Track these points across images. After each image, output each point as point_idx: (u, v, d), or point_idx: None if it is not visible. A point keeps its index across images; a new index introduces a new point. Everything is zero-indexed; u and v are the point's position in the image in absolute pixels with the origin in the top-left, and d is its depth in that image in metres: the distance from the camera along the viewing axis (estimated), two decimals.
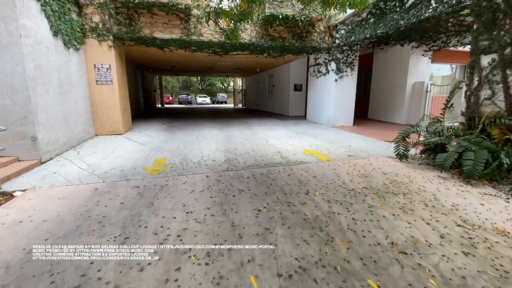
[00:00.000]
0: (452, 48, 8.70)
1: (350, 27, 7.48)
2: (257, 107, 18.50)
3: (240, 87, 25.55)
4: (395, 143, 4.43)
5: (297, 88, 12.25)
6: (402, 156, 4.32)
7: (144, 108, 14.94)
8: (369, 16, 6.76)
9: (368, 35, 6.80)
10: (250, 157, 4.67)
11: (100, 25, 6.48)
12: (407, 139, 4.46)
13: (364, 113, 11.36)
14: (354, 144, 5.83)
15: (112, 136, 6.71)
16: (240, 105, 23.66)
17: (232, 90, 39.44)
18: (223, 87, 43.86)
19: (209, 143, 5.93)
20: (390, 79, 9.85)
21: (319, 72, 9.36)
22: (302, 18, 7.18)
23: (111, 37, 6.58)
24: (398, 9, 5.91)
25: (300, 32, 7.99)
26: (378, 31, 6.47)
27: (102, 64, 6.63)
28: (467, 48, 8.75)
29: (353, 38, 7.42)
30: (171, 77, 39.61)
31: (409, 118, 9.42)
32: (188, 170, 3.89)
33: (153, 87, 18.09)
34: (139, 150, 5.21)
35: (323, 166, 4.04)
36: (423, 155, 4.56)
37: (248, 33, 7.54)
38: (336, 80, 8.39)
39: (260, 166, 4.09)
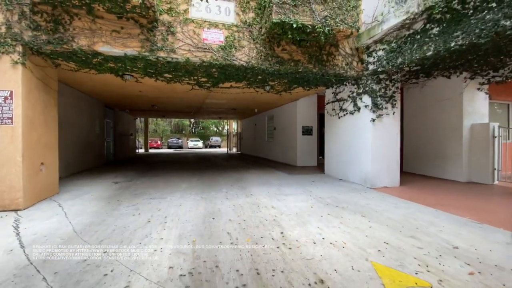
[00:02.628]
0: None
1: (394, 45, 5.13)
2: (254, 153, 15.76)
3: (235, 131, 23.26)
4: None
5: (307, 131, 9.66)
6: None
7: (114, 156, 12.01)
8: (429, 25, 4.44)
9: (431, 52, 4.37)
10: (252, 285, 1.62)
11: (3, 29, 3.93)
12: None
13: None
14: (454, 237, 2.86)
15: None
16: (234, 150, 21.02)
17: (227, 133, 37.49)
18: (218, 130, 41.98)
19: (165, 236, 2.88)
20: (434, 121, 7.33)
21: (342, 110, 6.82)
22: (326, 30, 4.83)
23: (19, 48, 3.98)
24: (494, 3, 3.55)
25: (319, 54, 5.62)
26: (453, 44, 4.05)
27: None
28: None
29: (400, 60, 5.02)
30: (162, 120, 37.80)
31: (471, 174, 6.63)
32: None
33: (131, 131, 15.44)
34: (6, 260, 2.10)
35: None
36: None
37: (245, 51, 5.11)
38: (373, 120, 5.77)
39: None
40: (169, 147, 30.43)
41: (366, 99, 5.93)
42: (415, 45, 4.78)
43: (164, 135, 36.34)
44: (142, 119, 22.65)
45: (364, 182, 5.94)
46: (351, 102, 6.45)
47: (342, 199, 4.76)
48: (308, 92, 8.06)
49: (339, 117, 6.96)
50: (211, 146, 32.67)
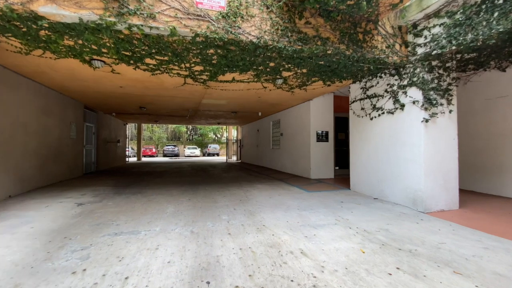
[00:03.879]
0: None
1: (460, 16, 3.72)
2: (257, 162, 14.21)
3: (235, 138, 21.77)
4: None
5: (322, 137, 8.18)
6: None
7: (96, 166, 10.41)
8: None
9: None
10: None
11: None
12: None
13: None
14: None
15: None
16: (234, 158, 19.47)
17: (226, 141, 35.93)
18: (216, 137, 40.49)
19: None
20: (485, 124, 5.87)
21: (375, 109, 5.36)
22: None
23: None
24: None
25: (354, 32, 4.18)
26: None
27: None
28: None
29: (470, 36, 3.59)
30: (158, 127, 36.32)
31: None
32: None
33: (120, 137, 13.89)
34: None
35: None
36: None
37: (255, 23, 3.66)
38: (426, 120, 4.30)
39: None
40: (165, 155, 28.83)
41: (414, 93, 4.47)
42: (496, 14, 3.36)
43: (160, 142, 34.76)
44: (134, 124, 21.25)
45: (413, 204, 4.41)
46: (389, 98, 4.99)
47: (398, 233, 3.23)
48: (327, 89, 6.62)
49: (371, 118, 5.49)
50: (209, 154, 31.10)
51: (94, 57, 4.29)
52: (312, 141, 8.08)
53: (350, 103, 6.27)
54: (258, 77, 5.39)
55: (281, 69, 4.96)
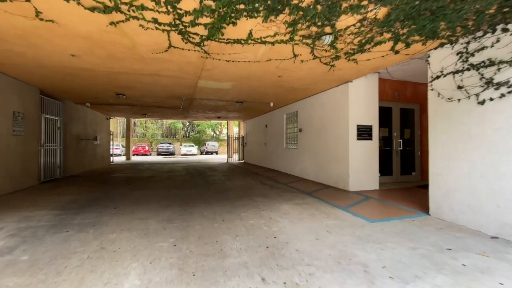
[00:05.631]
0: None
1: None
2: (264, 163, 11.97)
3: (236, 135, 19.50)
4: None
5: (364, 133, 5.95)
6: None
7: (63, 170, 8.08)
8: None
9: None
10: None
11: None
12: None
13: None
14: None
15: None
16: (235, 158, 17.22)
17: (226, 137, 33.52)
18: (215, 134, 38.16)
19: None
20: None
21: (493, 85, 3.12)
22: None
23: None
24: None
25: None
26: None
27: None
28: None
29: None
30: (152, 123, 33.95)
31: None
32: None
33: (101, 134, 11.54)
34: None
35: None
36: None
37: None
38: None
39: None
40: (159, 154, 26.49)
41: None
42: None
43: (154, 139, 32.37)
44: (123, 119, 19.02)
45: None
46: None
47: None
48: (387, 60, 4.37)
49: (481, 102, 3.26)
50: (207, 153, 28.80)
51: None
52: (351, 139, 5.85)
53: (430, 80, 4.02)
54: (294, 29, 3.14)
55: (338, 9, 2.71)
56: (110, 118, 13.18)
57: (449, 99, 3.70)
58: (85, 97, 8.05)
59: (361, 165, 5.92)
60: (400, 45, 3.71)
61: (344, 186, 5.99)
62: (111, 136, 13.79)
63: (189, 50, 3.84)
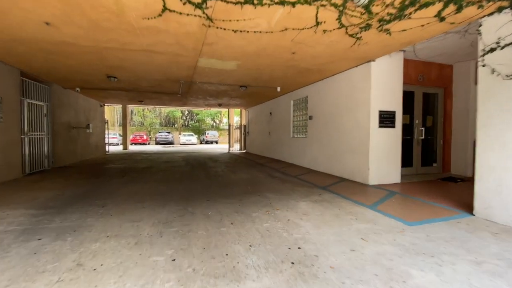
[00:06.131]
0: None
1: None
2: (268, 153, 11.35)
3: (237, 124, 18.78)
4: None
5: (387, 120, 5.28)
6: None
7: (52, 161, 7.43)
8: None
9: None
10: None
11: None
12: None
13: None
14: None
15: None
16: (237, 147, 16.59)
17: (226, 126, 32.76)
18: (214, 124, 37.41)
19: None
20: None
21: None
22: None
23: None
24: None
25: None
26: None
27: None
28: None
29: None
30: (150, 111, 33.12)
31: None
32: None
33: (90, 121, 10.82)
34: None
35: None
36: None
37: None
38: None
39: None
40: (157, 143, 25.84)
41: None
42: None
43: (153, 128, 31.62)
44: (119, 105, 18.38)
45: None
46: None
47: None
48: (425, 31, 3.64)
49: None
50: (206, 142, 28.15)
51: None
52: (372, 126, 5.19)
53: (481, 54, 3.31)
54: None
55: None
56: (104, 105, 12.42)
57: (507, 76, 3.02)
58: (74, 80, 7.29)
59: (382, 155, 5.28)
60: (450, 9, 2.99)
61: (362, 179, 5.38)
62: (106, 124, 13.05)
63: (188, 14, 3.10)
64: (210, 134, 28.38)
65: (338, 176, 6.11)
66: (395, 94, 5.36)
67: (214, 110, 33.04)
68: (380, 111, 5.22)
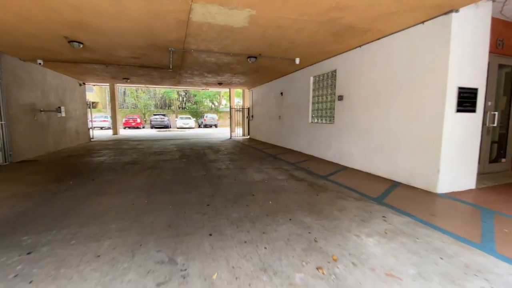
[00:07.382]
0: None
1: None
2: (279, 142, 9.75)
3: (239, 106, 17.00)
4: None
5: (467, 102, 3.65)
6: None
7: (11, 154, 5.82)
8: None
9: None
10: None
11: None
12: None
13: None
14: None
15: None
16: (239, 132, 14.94)
17: (226, 109, 30.77)
18: (213, 106, 35.44)
19: None
20: None
21: None
22: None
23: None
24: None
25: None
26: None
27: None
28: None
29: None
30: (143, 92, 31.02)
31: None
32: None
33: (61, 104, 9.04)
34: None
35: None
36: None
37: None
38: None
39: None
40: (152, 127, 24.13)
41: None
42: None
43: (147, 111, 29.69)
44: (106, 85, 16.62)
45: None
46: None
47: None
48: None
49: None
50: (205, 126, 26.41)
51: None
52: (447, 111, 3.56)
53: None
54: None
55: None
56: (84, 83, 10.57)
57: None
58: (29, 48, 5.50)
59: (458, 152, 3.71)
60: None
61: (426, 185, 3.84)
62: (89, 106, 11.27)
63: None
64: (209, 117, 26.55)
65: (386, 178, 4.57)
66: (479, 64, 3.69)
67: (213, 90, 30.92)
68: (459, 88, 3.58)
